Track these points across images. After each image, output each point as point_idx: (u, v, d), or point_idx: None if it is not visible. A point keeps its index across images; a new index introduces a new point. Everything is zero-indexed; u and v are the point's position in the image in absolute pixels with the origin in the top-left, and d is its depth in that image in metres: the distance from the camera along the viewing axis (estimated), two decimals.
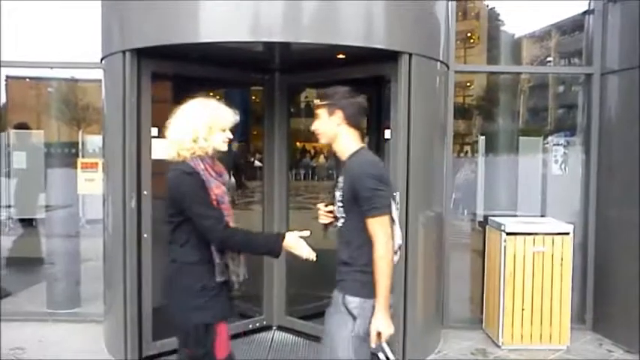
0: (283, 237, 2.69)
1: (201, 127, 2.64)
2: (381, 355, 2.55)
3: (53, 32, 5.72)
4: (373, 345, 2.51)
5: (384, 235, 2.52)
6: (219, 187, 2.65)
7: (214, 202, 2.61)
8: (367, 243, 2.55)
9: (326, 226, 2.83)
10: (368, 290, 2.56)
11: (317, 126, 2.74)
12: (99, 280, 4.99)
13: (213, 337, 2.64)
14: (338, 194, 2.67)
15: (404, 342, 4.35)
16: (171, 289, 2.75)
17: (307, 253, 2.67)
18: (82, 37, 5.45)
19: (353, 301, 2.58)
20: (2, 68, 6.00)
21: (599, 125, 5.39)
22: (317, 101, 2.74)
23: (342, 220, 2.67)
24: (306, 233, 2.73)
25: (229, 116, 2.74)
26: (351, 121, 2.70)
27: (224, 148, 2.74)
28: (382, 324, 2.51)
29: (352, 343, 2.57)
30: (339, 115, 2.67)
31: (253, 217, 5.58)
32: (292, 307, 5.25)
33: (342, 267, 2.65)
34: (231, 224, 2.67)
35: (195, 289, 2.63)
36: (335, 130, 2.69)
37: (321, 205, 2.83)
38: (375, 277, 2.52)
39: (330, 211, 2.77)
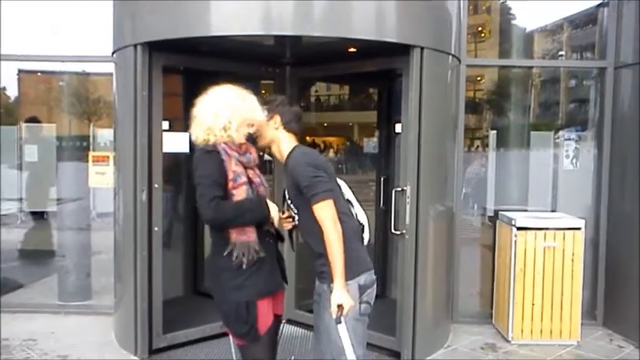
0: (266, 200, 2.71)
1: (236, 117, 2.67)
2: (340, 327, 2.57)
3: (65, 26, 5.73)
4: (334, 316, 2.56)
5: (329, 218, 2.60)
6: (238, 165, 2.64)
7: (230, 181, 2.60)
8: None
9: (290, 231, 2.94)
10: (349, 272, 2.62)
11: (255, 129, 2.82)
12: (110, 273, 5.02)
13: (254, 314, 2.65)
14: (285, 194, 2.80)
15: (413, 336, 4.35)
16: (210, 270, 2.77)
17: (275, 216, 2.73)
18: (93, 30, 5.47)
19: None
20: (14, 62, 6.05)
21: (611, 119, 5.35)
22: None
23: (297, 217, 2.79)
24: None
25: (261, 114, 2.77)
26: (288, 126, 2.85)
27: (242, 141, 2.75)
28: (341, 297, 2.56)
29: (349, 327, 2.61)
30: (276, 119, 2.82)
31: None
32: (301, 301, 5.25)
33: (318, 260, 2.73)
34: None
35: (232, 268, 2.64)
36: (273, 134, 2.83)
37: (279, 214, 2.87)
38: (330, 259, 2.59)
39: (288, 216, 2.86)
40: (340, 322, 2.55)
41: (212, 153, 2.61)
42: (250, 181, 2.69)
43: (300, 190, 2.66)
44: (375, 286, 2.78)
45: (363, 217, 2.90)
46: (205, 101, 2.73)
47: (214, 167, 2.59)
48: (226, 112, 2.66)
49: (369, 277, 2.74)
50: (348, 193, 2.90)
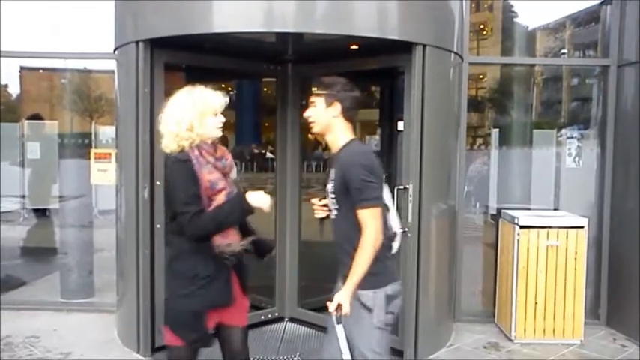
0: (244, 195, 2.66)
1: (193, 114, 2.63)
2: (338, 326, 2.55)
3: (67, 23, 5.73)
4: (331, 309, 2.52)
5: (372, 226, 2.51)
6: (212, 173, 2.62)
7: (206, 190, 2.59)
8: None
9: (322, 220, 2.84)
10: (379, 280, 2.58)
11: (311, 114, 2.71)
12: (112, 270, 5.03)
13: (204, 323, 2.66)
14: (330, 186, 2.67)
15: (416, 335, 4.34)
16: (167, 272, 2.80)
17: (265, 202, 2.67)
18: (95, 27, 5.47)
19: (366, 295, 2.58)
20: (17, 60, 6.05)
21: (614, 117, 5.33)
22: (315, 89, 2.71)
23: (335, 212, 2.67)
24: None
25: (218, 99, 2.72)
26: (347, 114, 2.67)
27: (218, 133, 2.73)
28: (345, 298, 2.51)
29: (373, 335, 2.58)
30: (337, 106, 2.65)
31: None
32: (304, 299, 5.26)
33: (344, 261, 2.62)
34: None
35: (188, 276, 2.65)
36: (330, 122, 2.67)
37: (315, 200, 2.83)
38: (354, 262, 2.51)
39: (325, 205, 2.77)
40: (340, 323, 2.53)
41: (185, 162, 2.60)
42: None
43: (347, 189, 2.55)
44: (401, 296, 2.72)
45: (397, 225, 2.78)
46: (164, 114, 2.72)
47: (188, 179, 2.58)
48: (184, 114, 2.63)
49: (396, 287, 2.68)
50: (387, 199, 2.75)
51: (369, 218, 2.51)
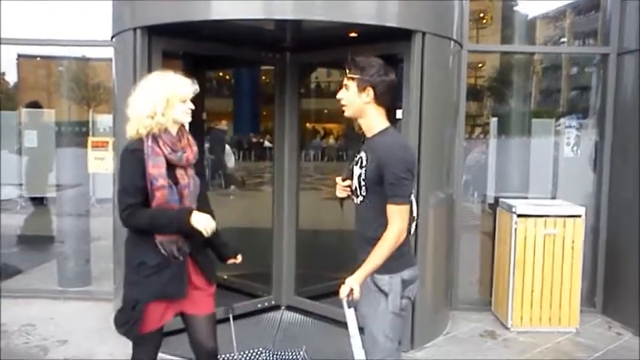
0: (191, 212, 2.57)
1: (158, 101, 2.56)
2: (349, 310, 2.49)
3: (64, 10, 5.69)
4: (342, 296, 2.47)
5: (398, 223, 2.47)
6: (156, 167, 2.52)
7: (149, 182, 2.52)
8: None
9: (342, 200, 2.77)
10: (396, 264, 2.55)
11: (343, 97, 2.61)
12: (109, 259, 5.04)
13: (139, 315, 2.57)
14: (359, 171, 2.59)
15: (412, 323, 4.34)
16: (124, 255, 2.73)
17: (208, 226, 2.57)
18: (93, 14, 5.42)
19: (382, 279, 2.56)
20: (14, 47, 6.01)
21: (614, 106, 5.32)
22: (348, 71, 2.59)
23: (361, 199, 2.60)
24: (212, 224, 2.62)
25: (187, 86, 2.65)
26: (381, 100, 2.57)
27: (186, 119, 2.67)
28: (356, 283, 2.47)
29: (387, 320, 2.57)
30: (369, 92, 2.54)
31: (264, 197, 5.58)
32: (301, 287, 5.26)
33: (364, 248, 2.57)
34: (187, 203, 2.62)
35: (133, 264, 2.63)
36: (362, 107, 2.57)
37: (339, 179, 2.75)
38: (374, 250, 2.48)
39: (348, 186, 2.69)
40: (351, 307, 2.49)
41: (134, 152, 2.54)
42: (176, 182, 2.59)
43: (381, 179, 2.47)
44: (417, 282, 2.68)
45: (414, 209, 2.69)
46: (131, 98, 2.66)
47: (134, 169, 2.53)
48: (149, 100, 2.57)
49: (412, 272, 2.64)
50: None
51: (396, 215, 2.47)
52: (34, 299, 5.42)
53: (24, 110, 6.30)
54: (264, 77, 6.87)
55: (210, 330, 2.81)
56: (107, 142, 5.34)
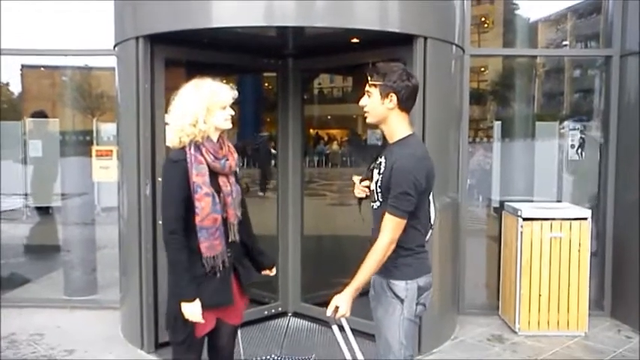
0: (194, 299, 2.56)
1: (199, 109, 2.58)
2: (334, 327, 2.53)
3: (67, 20, 5.72)
4: (328, 313, 2.48)
5: (390, 234, 2.47)
6: (200, 175, 2.54)
7: (192, 192, 2.54)
8: (409, 227, 2.53)
9: (360, 200, 2.77)
10: (412, 271, 2.56)
11: (366, 104, 2.60)
12: (115, 268, 5.03)
13: (192, 324, 2.60)
14: (377, 177, 2.59)
15: (419, 328, 4.32)
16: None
17: (192, 317, 2.57)
18: (95, 24, 5.45)
19: (399, 285, 2.56)
20: (18, 58, 6.05)
21: (617, 108, 5.30)
22: (370, 77, 2.58)
23: (377, 204, 2.60)
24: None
25: (227, 92, 2.67)
26: (404, 105, 2.56)
27: (227, 125, 2.68)
28: (344, 301, 2.47)
29: (402, 326, 2.56)
30: (392, 98, 2.53)
31: (268, 204, 5.57)
32: (308, 294, 5.26)
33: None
34: (231, 211, 2.66)
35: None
36: (385, 114, 2.56)
37: (356, 179, 2.75)
38: (363, 264, 2.48)
39: (367, 186, 2.69)
40: (338, 325, 2.52)
41: (178, 163, 2.57)
42: (219, 190, 2.61)
43: (389, 188, 2.51)
44: (431, 289, 2.69)
45: (433, 215, 2.73)
46: (172, 107, 2.69)
47: (177, 180, 2.55)
48: (189, 108, 2.59)
49: (428, 279, 2.65)
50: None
51: (389, 225, 2.47)
52: (41, 308, 5.43)
53: (29, 120, 6.32)
54: (267, 84, 6.87)
55: (232, 339, 2.90)
56: (111, 151, 5.36)
